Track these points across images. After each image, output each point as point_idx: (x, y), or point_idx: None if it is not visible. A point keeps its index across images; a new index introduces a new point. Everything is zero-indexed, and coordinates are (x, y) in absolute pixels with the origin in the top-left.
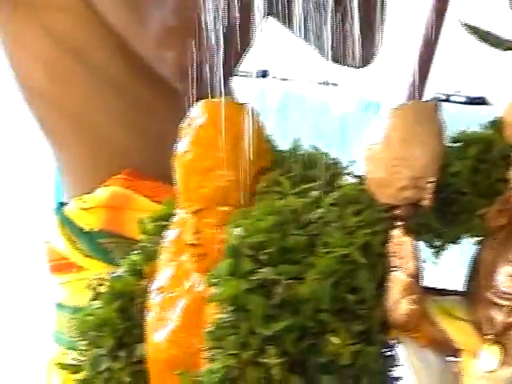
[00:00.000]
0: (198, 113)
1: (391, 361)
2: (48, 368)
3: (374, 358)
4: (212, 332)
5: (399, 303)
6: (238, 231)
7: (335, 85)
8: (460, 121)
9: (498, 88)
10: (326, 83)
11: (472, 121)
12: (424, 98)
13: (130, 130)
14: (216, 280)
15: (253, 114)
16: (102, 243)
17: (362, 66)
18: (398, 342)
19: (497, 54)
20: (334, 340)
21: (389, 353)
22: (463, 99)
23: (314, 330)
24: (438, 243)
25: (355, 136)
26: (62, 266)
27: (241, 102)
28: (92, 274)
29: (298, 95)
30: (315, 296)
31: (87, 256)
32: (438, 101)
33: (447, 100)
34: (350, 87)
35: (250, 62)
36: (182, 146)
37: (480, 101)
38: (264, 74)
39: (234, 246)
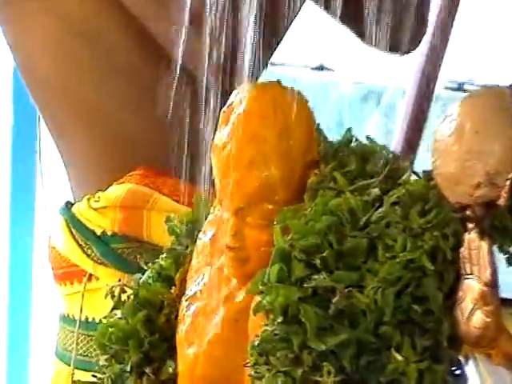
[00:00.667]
0: (239, 98)
1: (461, 381)
2: None
3: (442, 377)
4: (259, 346)
5: (472, 315)
6: (287, 232)
7: (331, 70)
8: None
9: None
10: (321, 68)
11: None
12: (436, 85)
13: (144, 118)
14: (263, 287)
15: (302, 101)
16: (116, 248)
17: (410, 51)
18: (470, 360)
19: None
20: (398, 356)
21: (459, 371)
22: (478, 88)
23: (375, 346)
24: None
25: (355, 126)
26: (69, 274)
27: (289, 87)
28: (105, 283)
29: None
30: (376, 306)
31: (99, 263)
32: None
33: (459, 89)
34: (348, 73)
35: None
36: (221, 136)
37: None
38: None
39: (283, 250)
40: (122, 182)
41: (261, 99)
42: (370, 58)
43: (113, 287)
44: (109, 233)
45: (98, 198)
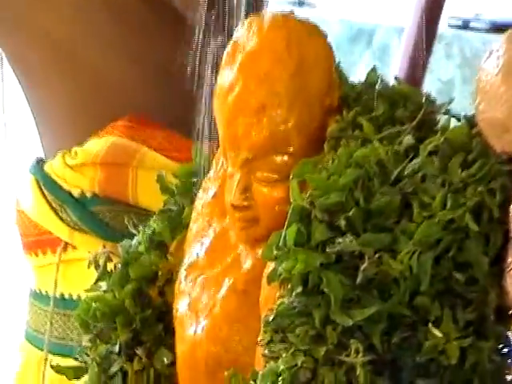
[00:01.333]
0: (247, 33)
1: (510, 360)
2: (18, 375)
3: (488, 355)
4: (274, 321)
5: None
6: (306, 189)
7: (313, 6)
8: (482, 52)
9: None
10: (301, 3)
11: None
12: (440, 21)
13: (130, 62)
14: (278, 253)
15: (320, 35)
16: (96, 212)
17: None
18: None
19: None
20: (436, 332)
21: (507, 349)
22: (486, 25)
23: (410, 320)
24: None
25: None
26: (40, 242)
27: (304, 20)
28: (84, 253)
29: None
30: (411, 274)
31: (76, 229)
32: None
33: (466, 27)
34: (333, 8)
35: None
36: (227, 77)
37: (508, 27)
38: None
39: (302, 208)
40: (104, 135)
41: (272, 34)
42: None
43: (97, 255)
44: (88, 194)
45: (75, 153)
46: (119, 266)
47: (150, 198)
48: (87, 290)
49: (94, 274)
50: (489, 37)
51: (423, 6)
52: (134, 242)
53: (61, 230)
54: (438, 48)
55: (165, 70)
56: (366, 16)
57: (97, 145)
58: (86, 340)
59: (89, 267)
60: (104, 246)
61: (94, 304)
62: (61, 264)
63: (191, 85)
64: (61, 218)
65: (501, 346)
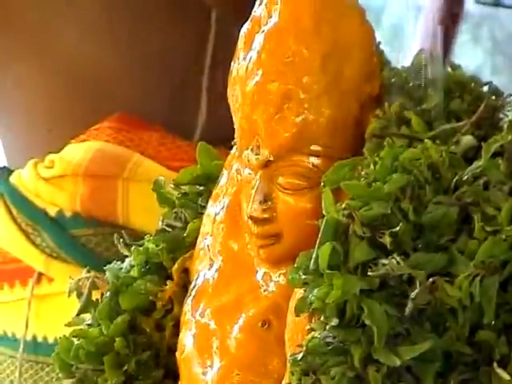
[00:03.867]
0: (268, 9)
1: None
2: None
3: None
4: (303, 360)
5: None
6: (342, 198)
7: None
8: None
9: None
10: None
11: None
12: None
13: (116, 51)
14: (309, 277)
15: (358, 9)
16: (78, 235)
17: None
18: None
19: None
20: (503, 374)
21: None
22: None
23: (470, 358)
24: None
25: None
26: (7, 273)
27: None
28: (63, 285)
29: None
30: (472, 303)
31: (54, 257)
32: None
33: (497, 4)
34: None
35: None
36: (243, 62)
37: None
38: None
39: (338, 222)
40: (85, 139)
41: (298, 8)
42: None
43: (79, 280)
44: (67, 213)
45: (51, 162)
46: (107, 294)
47: (145, 217)
48: (68, 324)
49: (75, 309)
50: None
51: None
52: (126, 264)
53: (34, 258)
54: (464, 30)
55: (167, 63)
56: None
57: (78, 152)
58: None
59: (69, 296)
60: (88, 271)
61: (76, 341)
62: (33, 300)
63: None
64: (34, 243)
65: None
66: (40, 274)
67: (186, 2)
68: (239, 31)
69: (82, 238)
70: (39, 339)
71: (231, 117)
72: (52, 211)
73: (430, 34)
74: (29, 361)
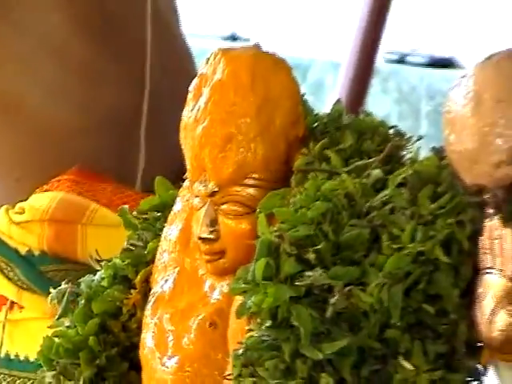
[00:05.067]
0: (213, 67)
1: None
2: None
3: None
4: (243, 355)
5: (495, 316)
6: (274, 222)
7: (247, 40)
8: (419, 87)
9: (469, 47)
10: (233, 38)
11: (436, 87)
12: (377, 56)
13: (76, 108)
14: (247, 286)
15: (285, 67)
16: (45, 271)
17: None
18: (491, 368)
19: (466, 4)
20: (406, 365)
21: (478, 382)
22: (423, 60)
23: (379, 353)
24: None
25: None
26: None
27: (270, 52)
28: (32, 312)
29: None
30: (381, 307)
31: (24, 289)
32: None
33: (402, 61)
34: (267, 43)
35: None
36: (193, 111)
37: (445, 62)
38: None
39: (270, 242)
40: (48, 189)
41: (237, 66)
42: (292, 28)
43: (60, 291)
44: (36, 252)
45: (22, 209)
46: (82, 301)
47: (101, 255)
48: (50, 327)
49: (42, 335)
50: (426, 71)
51: (360, 40)
52: (97, 277)
53: (8, 290)
54: (375, 83)
55: (113, 117)
56: (301, 51)
57: (43, 200)
58: (49, 377)
59: (50, 302)
60: (66, 282)
61: (57, 340)
62: (7, 323)
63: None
64: (7, 277)
65: (471, 378)
66: (12, 303)
67: (129, 66)
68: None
69: (48, 272)
70: (12, 356)
71: (168, 164)
72: (23, 250)
73: (346, 87)
74: (3, 373)
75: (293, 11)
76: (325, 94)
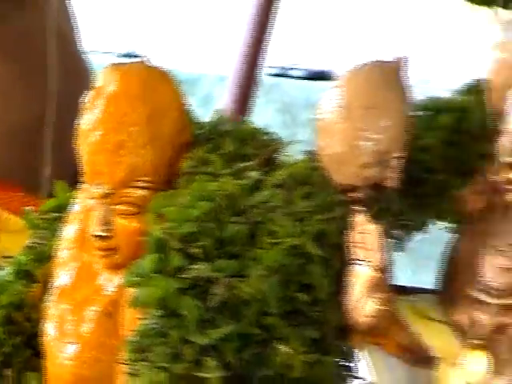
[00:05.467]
0: (106, 80)
1: (351, 372)
2: None
3: (331, 369)
4: (135, 342)
5: (363, 303)
6: (162, 221)
7: (142, 57)
8: (299, 98)
9: (343, 61)
10: (129, 55)
11: (313, 98)
12: (260, 70)
13: None
14: (138, 279)
15: (172, 81)
16: None
17: None
18: (360, 350)
19: (340, 24)
20: (284, 349)
21: (348, 363)
22: (302, 73)
23: (259, 338)
24: (400, 232)
25: None
26: None
27: (157, 67)
28: None
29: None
30: (260, 296)
31: None
32: (402, 61)
33: (283, 75)
34: (159, 60)
35: None
36: (88, 120)
37: (322, 75)
38: None
39: (159, 239)
40: None
41: (128, 80)
42: (182, 45)
43: None
44: None
45: None
46: None
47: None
48: None
49: None
50: (304, 84)
51: (244, 56)
52: (4, 272)
53: None
54: (259, 95)
55: (20, 129)
56: (191, 66)
57: None
58: None
59: None
60: None
61: None
62: None
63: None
64: None
65: (343, 359)
66: None
67: (34, 80)
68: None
69: None
70: None
71: (70, 169)
72: None
73: (233, 98)
74: None
75: (184, 30)
76: (213, 106)
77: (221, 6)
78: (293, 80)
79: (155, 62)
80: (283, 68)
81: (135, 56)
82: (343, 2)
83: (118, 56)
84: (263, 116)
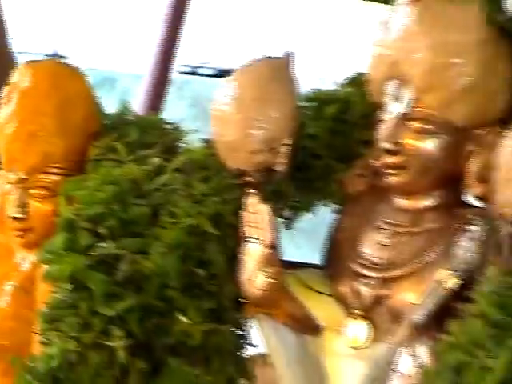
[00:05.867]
0: (21, 77)
1: (245, 340)
2: None
3: (227, 337)
4: (47, 313)
5: (255, 277)
6: (72, 203)
7: (65, 57)
8: (208, 94)
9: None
10: (55, 55)
11: None
12: (172, 69)
13: None
14: (50, 256)
15: (80, 75)
16: None
17: None
18: (253, 320)
19: (246, 24)
20: (183, 319)
21: (243, 332)
22: (212, 71)
23: (161, 309)
24: (290, 212)
25: None
26: None
27: (67, 63)
28: None
29: None
30: (161, 271)
31: None
32: (290, 57)
33: (194, 73)
34: (83, 59)
35: None
36: (4, 114)
37: (229, 73)
38: None
39: (69, 219)
40: None
41: (39, 75)
42: (104, 45)
43: None
44: None
45: None
46: None
47: None
48: None
49: None
50: (214, 81)
51: (158, 56)
52: None
53: None
54: (171, 91)
55: None
56: (111, 65)
57: None
58: None
59: None
60: None
61: None
62: None
63: None
64: None
65: (238, 328)
66: None
67: None
68: None
69: None
70: None
71: None
72: None
73: (148, 95)
74: None
75: (106, 31)
76: (131, 102)
77: (139, 8)
78: (203, 78)
79: (78, 61)
80: (193, 67)
81: (60, 56)
82: (250, 3)
83: (45, 56)
84: (176, 110)
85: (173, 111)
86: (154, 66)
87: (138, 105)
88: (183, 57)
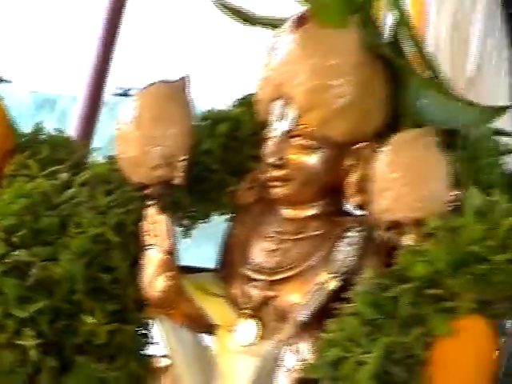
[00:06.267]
0: None
1: (147, 339)
2: None
3: (130, 336)
4: None
5: (155, 280)
6: None
7: (9, 82)
8: None
9: None
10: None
11: None
12: (105, 90)
13: None
14: None
15: None
16: None
17: None
18: (154, 321)
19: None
20: (89, 320)
21: (145, 331)
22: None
23: (69, 311)
24: (188, 221)
25: None
26: None
27: None
28: None
29: None
30: (69, 276)
31: None
32: (187, 80)
33: (125, 94)
34: (24, 83)
35: None
36: None
37: None
38: None
39: None
40: None
41: None
42: (45, 68)
43: None
44: None
45: None
46: None
47: None
48: None
49: None
50: None
51: (91, 79)
52: None
53: None
54: (104, 111)
55: None
56: (50, 87)
57: None
58: None
59: None
60: None
61: None
62: None
63: None
64: None
65: (140, 328)
66: None
67: None
68: None
69: None
70: None
71: None
72: None
73: (82, 115)
74: None
75: (45, 54)
76: (68, 122)
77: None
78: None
79: (19, 84)
80: (125, 89)
81: (4, 81)
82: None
83: None
84: (107, 130)
85: (105, 131)
86: (88, 89)
87: (73, 124)
88: (115, 79)
